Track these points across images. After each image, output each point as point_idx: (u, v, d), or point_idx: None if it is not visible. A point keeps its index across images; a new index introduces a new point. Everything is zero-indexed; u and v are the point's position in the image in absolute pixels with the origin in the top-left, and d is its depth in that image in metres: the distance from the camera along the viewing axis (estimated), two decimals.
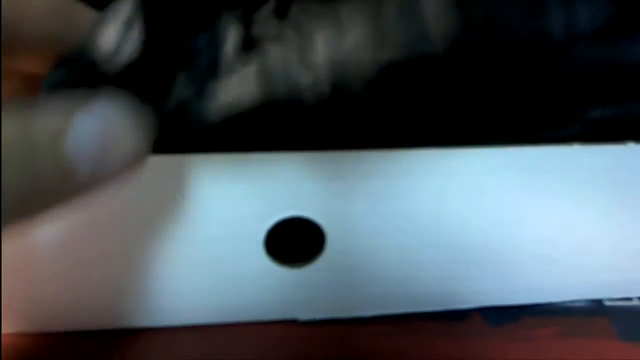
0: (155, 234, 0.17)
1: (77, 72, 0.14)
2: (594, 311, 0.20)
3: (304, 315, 0.19)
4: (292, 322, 0.19)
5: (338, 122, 0.16)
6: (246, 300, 0.18)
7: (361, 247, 0.18)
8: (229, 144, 0.16)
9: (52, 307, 0.18)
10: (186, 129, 0.15)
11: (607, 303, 0.20)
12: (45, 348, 0.18)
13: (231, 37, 0.15)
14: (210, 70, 0.15)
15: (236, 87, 0.15)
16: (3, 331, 0.18)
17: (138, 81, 0.14)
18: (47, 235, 0.17)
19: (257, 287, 0.18)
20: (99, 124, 0.11)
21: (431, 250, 0.18)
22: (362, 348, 0.18)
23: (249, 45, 0.15)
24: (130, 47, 0.14)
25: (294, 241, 0.18)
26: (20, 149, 0.10)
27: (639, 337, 0.19)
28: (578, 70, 0.16)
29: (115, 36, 0.14)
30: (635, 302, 0.20)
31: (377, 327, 0.19)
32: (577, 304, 0.20)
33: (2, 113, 0.10)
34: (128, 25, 0.14)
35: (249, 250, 0.17)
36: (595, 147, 0.17)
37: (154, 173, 0.16)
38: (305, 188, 0.17)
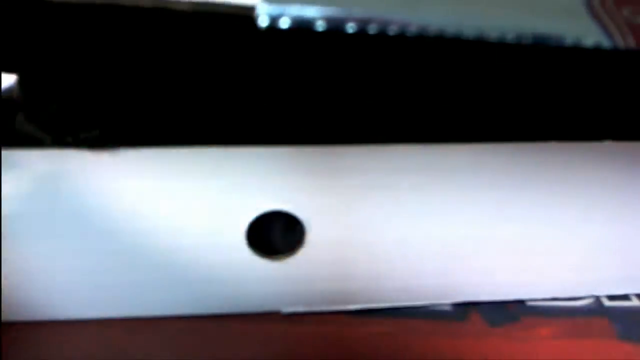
0: (137, 224, 0.17)
1: None
2: (594, 311, 0.20)
3: (287, 307, 0.19)
4: (290, 322, 0.19)
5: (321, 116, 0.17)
6: (229, 291, 0.19)
7: (342, 241, 0.18)
8: None
9: None
10: None
11: (607, 303, 0.20)
12: None
13: None
14: None
15: None
16: None
17: None
18: None
19: (240, 279, 0.18)
20: None
21: (413, 244, 0.18)
22: (361, 348, 0.18)
23: None
24: None
25: (278, 234, 0.18)
26: None
27: (639, 337, 0.19)
28: None
29: None
30: (635, 302, 0.20)
31: (377, 327, 0.19)
32: (577, 304, 0.20)
33: None
34: None
35: (231, 242, 0.18)
36: (574, 145, 0.18)
37: (139, 164, 0.16)
38: (286, 182, 0.17)
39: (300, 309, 0.19)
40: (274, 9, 0.11)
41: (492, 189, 0.18)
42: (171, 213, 0.17)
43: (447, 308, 0.20)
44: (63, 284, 0.18)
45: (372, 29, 0.12)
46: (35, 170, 0.16)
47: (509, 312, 0.20)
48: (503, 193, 0.18)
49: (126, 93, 0.16)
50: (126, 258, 0.18)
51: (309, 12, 0.11)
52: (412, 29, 0.12)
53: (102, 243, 0.17)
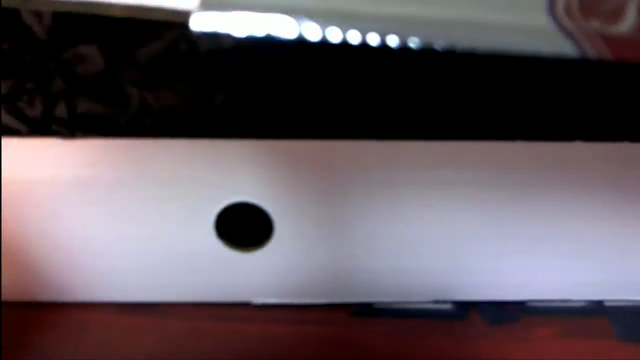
0: (109, 213, 0.18)
1: None
2: (594, 311, 0.20)
3: (257, 299, 0.20)
4: (289, 322, 0.19)
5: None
6: (198, 281, 0.19)
7: (310, 235, 0.18)
8: None
9: None
10: None
11: (607, 303, 0.20)
12: None
13: None
14: None
15: None
16: None
17: None
18: None
19: (210, 269, 0.19)
20: None
21: (384, 240, 0.18)
22: (361, 348, 0.18)
23: None
24: None
25: (249, 226, 0.19)
26: None
27: (639, 337, 0.19)
28: None
29: None
30: (635, 302, 0.20)
31: (377, 327, 0.19)
32: (577, 304, 0.20)
33: None
34: None
35: (200, 232, 0.18)
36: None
37: (111, 154, 0.17)
38: (253, 175, 0.17)
39: (272, 300, 0.20)
40: (209, 19, 0.11)
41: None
42: (141, 202, 0.18)
43: (447, 307, 0.20)
44: (38, 268, 0.18)
45: (312, 39, 0.12)
46: (14, 157, 0.17)
47: (509, 312, 0.20)
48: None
49: (96, 85, 0.16)
50: (97, 245, 0.18)
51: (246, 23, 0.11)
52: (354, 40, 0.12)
53: (74, 230, 0.18)
